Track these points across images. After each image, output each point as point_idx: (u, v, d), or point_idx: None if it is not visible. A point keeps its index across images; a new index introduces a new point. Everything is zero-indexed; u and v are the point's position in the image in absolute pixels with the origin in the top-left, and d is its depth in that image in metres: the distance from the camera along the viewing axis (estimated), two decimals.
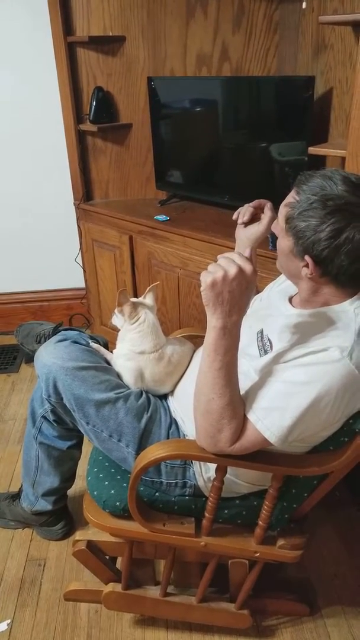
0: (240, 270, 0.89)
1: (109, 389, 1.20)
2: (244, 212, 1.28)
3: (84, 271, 2.46)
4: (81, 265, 2.46)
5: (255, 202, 1.27)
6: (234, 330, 0.93)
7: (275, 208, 1.51)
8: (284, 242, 1.03)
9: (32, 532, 1.60)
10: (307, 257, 0.97)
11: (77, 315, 2.69)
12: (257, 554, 1.16)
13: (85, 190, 2.32)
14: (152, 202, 2.28)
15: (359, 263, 0.95)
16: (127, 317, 1.26)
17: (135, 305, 1.27)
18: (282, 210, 1.02)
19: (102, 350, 1.33)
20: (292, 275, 1.08)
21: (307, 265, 0.98)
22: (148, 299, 1.31)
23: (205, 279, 0.90)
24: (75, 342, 1.28)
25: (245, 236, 1.30)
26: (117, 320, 1.29)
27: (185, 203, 2.23)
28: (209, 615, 1.31)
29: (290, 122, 1.72)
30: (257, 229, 1.27)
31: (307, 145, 1.57)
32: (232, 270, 0.88)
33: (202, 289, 0.91)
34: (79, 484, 1.61)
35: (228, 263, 0.90)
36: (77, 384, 1.18)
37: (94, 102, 2.13)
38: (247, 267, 0.89)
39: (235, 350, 0.95)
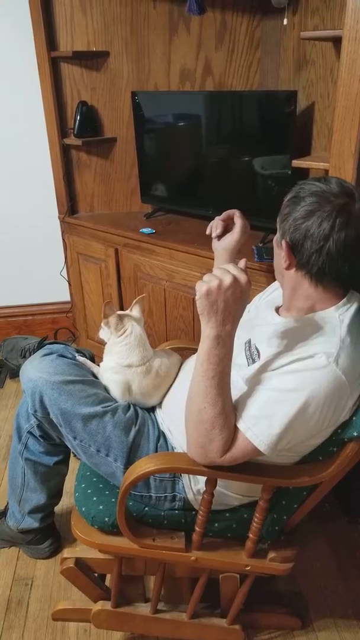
0: (235, 280, 0.90)
1: (96, 402, 1.19)
2: (215, 226, 1.33)
3: (69, 285, 2.44)
4: (66, 278, 2.45)
5: (224, 215, 1.32)
6: (227, 339, 0.93)
7: (259, 219, 1.54)
8: (275, 237, 1.07)
9: (19, 551, 1.57)
10: (283, 242, 1.01)
11: (63, 329, 2.67)
12: (248, 568, 1.15)
13: (70, 203, 2.32)
14: (137, 215, 2.28)
15: (325, 254, 0.97)
16: (113, 330, 1.25)
17: (121, 318, 1.26)
18: None
19: (89, 363, 1.32)
20: (278, 272, 1.10)
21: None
22: (135, 311, 1.31)
23: (200, 287, 0.91)
24: (62, 355, 1.27)
25: (222, 247, 1.34)
26: (103, 333, 1.28)
27: (170, 216, 2.24)
28: (200, 632, 1.29)
29: (273, 136, 1.75)
30: (231, 238, 1.32)
31: (290, 158, 1.59)
32: (227, 280, 0.89)
33: (197, 297, 0.92)
34: (66, 501, 1.58)
35: (223, 273, 0.91)
36: (63, 398, 1.17)
37: (78, 116, 2.14)
38: (242, 277, 0.91)
39: (228, 360, 0.95)
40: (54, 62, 2.08)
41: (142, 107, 2.07)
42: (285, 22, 1.74)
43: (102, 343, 1.31)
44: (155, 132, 2.13)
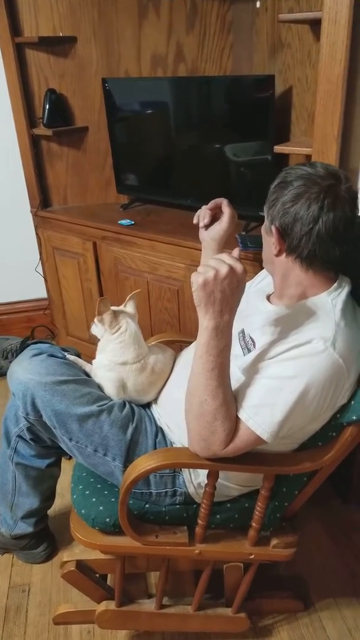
0: (231, 270, 0.89)
1: (90, 402, 1.16)
2: (203, 215, 1.31)
3: (46, 281, 2.38)
4: (42, 275, 2.38)
5: (212, 203, 1.30)
6: (226, 330, 0.92)
7: (241, 207, 1.52)
8: (264, 225, 1.07)
9: (13, 557, 1.53)
10: (272, 228, 1.01)
11: (40, 327, 2.60)
12: (252, 556, 1.15)
13: (42, 196, 2.24)
14: (113, 206, 2.23)
15: (315, 236, 0.97)
16: (107, 327, 1.22)
17: (116, 314, 1.23)
18: None
19: (80, 361, 1.28)
20: (268, 261, 1.10)
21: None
22: (129, 307, 1.27)
23: (197, 279, 0.89)
24: (51, 355, 1.23)
25: (210, 237, 1.32)
26: (96, 329, 1.24)
27: (148, 207, 2.20)
28: (206, 623, 1.30)
29: (252, 122, 1.72)
30: (219, 227, 1.30)
31: (271, 144, 1.58)
32: (223, 270, 0.88)
33: (193, 289, 0.90)
34: (58, 502, 1.54)
35: (218, 263, 0.90)
36: (57, 399, 1.14)
37: (47, 105, 2.07)
38: (238, 266, 0.89)
39: (227, 351, 0.94)
40: (19, 48, 2.00)
41: (113, 94, 2.01)
42: (257, 5, 1.71)
43: (94, 340, 1.28)
44: (128, 120, 2.07)
